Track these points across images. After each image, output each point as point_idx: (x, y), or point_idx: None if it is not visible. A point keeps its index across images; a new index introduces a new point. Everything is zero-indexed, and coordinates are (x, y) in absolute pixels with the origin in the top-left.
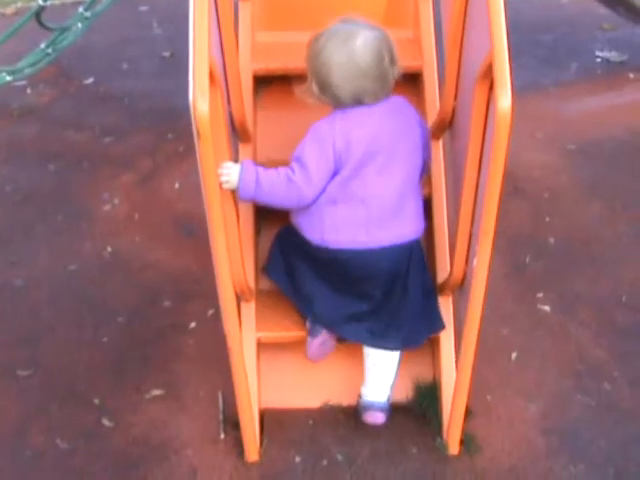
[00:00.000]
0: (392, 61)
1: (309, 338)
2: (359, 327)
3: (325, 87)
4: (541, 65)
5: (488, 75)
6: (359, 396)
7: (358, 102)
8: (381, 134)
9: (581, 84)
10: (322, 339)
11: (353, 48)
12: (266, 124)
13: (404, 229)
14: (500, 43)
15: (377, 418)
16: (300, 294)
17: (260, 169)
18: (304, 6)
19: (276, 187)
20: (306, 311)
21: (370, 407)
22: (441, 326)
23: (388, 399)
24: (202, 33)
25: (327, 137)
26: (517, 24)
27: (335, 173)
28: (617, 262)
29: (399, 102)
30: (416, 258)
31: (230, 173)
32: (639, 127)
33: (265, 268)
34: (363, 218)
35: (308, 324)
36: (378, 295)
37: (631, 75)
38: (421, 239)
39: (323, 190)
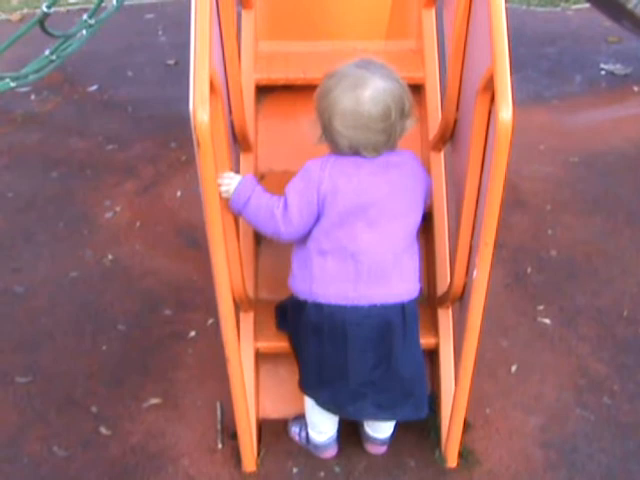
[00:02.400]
0: (402, 114)
1: (313, 450)
2: (364, 404)
3: (326, 129)
4: (545, 77)
5: (489, 87)
6: (360, 424)
7: (356, 152)
8: (374, 187)
9: (585, 97)
10: (327, 452)
11: (360, 98)
12: (267, 134)
13: (397, 289)
14: (501, 55)
15: (379, 450)
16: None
17: (258, 189)
18: (307, 16)
19: (261, 213)
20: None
21: (373, 441)
22: (424, 411)
23: (392, 433)
24: (203, 42)
25: (314, 179)
26: (521, 36)
27: (319, 217)
28: (618, 276)
29: (404, 156)
30: (409, 320)
31: (230, 183)
32: None
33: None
34: (352, 273)
35: (303, 439)
36: (372, 359)
37: (635, 88)
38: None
39: (311, 237)
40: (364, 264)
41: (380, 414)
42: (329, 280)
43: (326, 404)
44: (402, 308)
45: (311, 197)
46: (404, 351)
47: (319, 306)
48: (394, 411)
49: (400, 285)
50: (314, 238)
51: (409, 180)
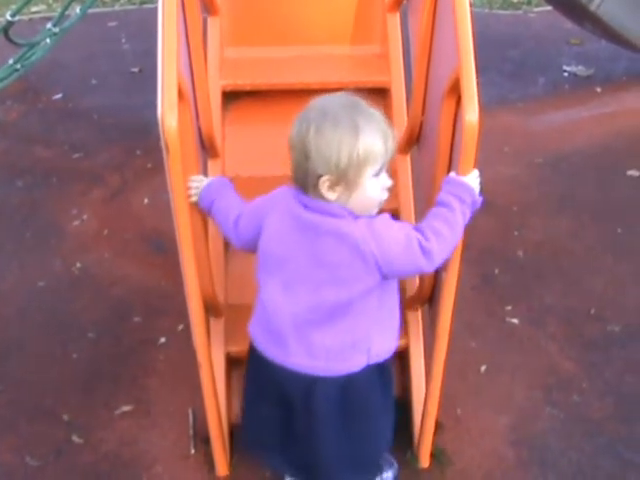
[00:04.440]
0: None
1: None
2: (283, 457)
3: None
4: (509, 80)
5: (455, 90)
6: None
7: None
8: (292, 244)
9: (549, 99)
10: None
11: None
12: (234, 139)
13: (306, 360)
14: (467, 58)
15: None
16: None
17: (226, 192)
18: (272, 22)
19: (219, 218)
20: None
21: None
22: None
23: None
24: (171, 49)
25: (266, 199)
26: (485, 39)
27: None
28: (585, 275)
29: (338, 224)
30: (327, 397)
31: (199, 187)
32: (606, 141)
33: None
34: (266, 324)
35: None
36: (285, 418)
37: (598, 89)
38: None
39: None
40: (272, 321)
41: (294, 473)
42: (256, 322)
43: (249, 443)
44: (314, 381)
45: (256, 222)
46: (326, 430)
47: (252, 345)
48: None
49: (305, 359)
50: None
51: (337, 252)
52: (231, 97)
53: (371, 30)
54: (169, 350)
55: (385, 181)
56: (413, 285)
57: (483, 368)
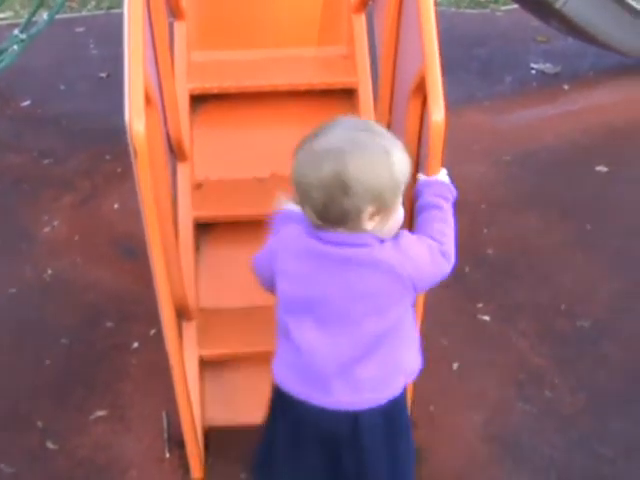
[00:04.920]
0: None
1: None
2: None
3: None
4: (476, 78)
5: (421, 89)
6: None
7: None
8: (321, 283)
9: (516, 96)
10: None
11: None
12: (203, 142)
13: (350, 396)
14: (432, 57)
15: None
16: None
17: None
18: (238, 25)
19: None
20: None
21: None
22: None
23: None
24: (137, 53)
25: (274, 241)
26: (451, 38)
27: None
28: (555, 271)
29: (370, 254)
30: (374, 428)
31: None
32: (573, 137)
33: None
34: (299, 366)
35: None
36: (330, 460)
37: (566, 86)
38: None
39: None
40: (309, 363)
41: None
42: (283, 365)
43: None
44: (356, 416)
45: (268, 265)
46: (376, 461)
47: (280, 391)
48: None
49: (349, 396)
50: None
51: (374, 284)
52: (199, 100)
53: (337, 31)
54: (142, 355)
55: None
56: None
57: (455, 365)
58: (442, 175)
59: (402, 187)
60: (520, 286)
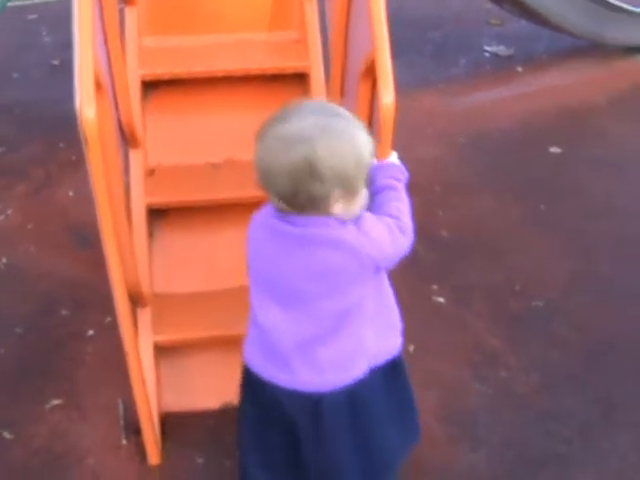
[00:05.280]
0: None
1: None
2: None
3: None
4: (430, 61)
5: (371, 72)
6: None
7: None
8: (284, 264)
9: (470, 79)
10: None
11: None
12: (155, 128)
13: (310, 376)
14: (381, 40)
15: None
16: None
17: None
18: (190, 10)
19: None
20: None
21: None
22: None
23: None
24: (86, 40)
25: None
26: (405, 21)
27: None
28: (509, 251)
29: (330, 234)
30: (335, 412)
31: None
32: (527, 119)
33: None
34: (263, 345)
35: None
36: (292, 441)
37: (519, 69)
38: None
39: None
40: (269, 342)
41: None
42: (251, 344)
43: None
44: (319, 399)
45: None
46: (337, 446)
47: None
48: None
49: (310, 376)
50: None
51: (333, 261)
52: (151, 86)
53: (289, 16)
54: (97, 342)
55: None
56: None
57: (411, 348)
58: (393, 157)
59: (366, 170)
60: (474, 267)
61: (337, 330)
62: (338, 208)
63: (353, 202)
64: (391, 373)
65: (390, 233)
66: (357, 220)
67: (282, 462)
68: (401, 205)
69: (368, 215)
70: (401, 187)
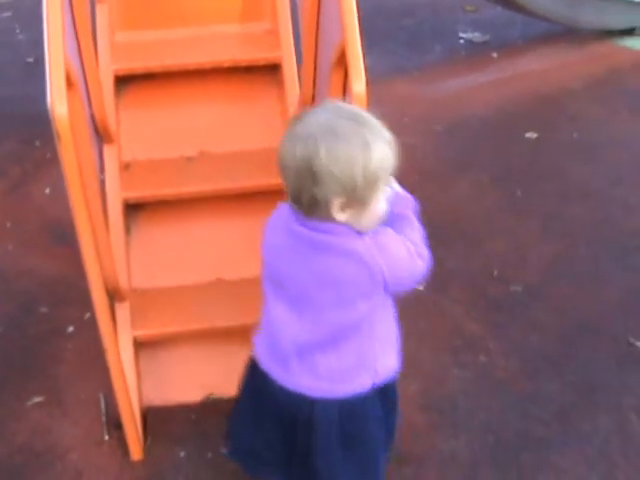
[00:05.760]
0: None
1: None
2: (284, 476)
3: None
4: (405, 49)
5: (342, 61)
6: None
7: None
8: (296, 264)
9: (446, 66)
10: None
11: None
12: (129, 123)
13: (307, 380)
14: (351, 29)
15: None
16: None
17: None
18: (161, 4)
19: None
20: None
21: None
22: None
23: None
24: (56, 37)
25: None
26: (380, 9)
27: None
28: (486, 237)
29: (343, 244)
30: (328, 419)
31: None
32: (503, 105)
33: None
34: (269, 339)
35: None
36: (288, 439)
37: (494, 55)
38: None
39: None
40: (276, 339)
41: None
42: (260, 337)
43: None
44: (311, 404)
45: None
46: (326, 452)
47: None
48: None
49: (307, 380)
50: None
51: (343, 271)
52: (125, 81)
53: (260, 7)
54: (77, 339)
55: (388, 191)
56: None
57: None
58: (397, 187)
59: (380, 182)
60: (452, 254)
61: (339, 342)
62: (342, 217)
63: (363, 214)
64: (384, 393)
65: (408, 253)
66: (375, 232)
67: (275, 457)
68: (417, 234)
69: (387, 230)
70: (413, 217)
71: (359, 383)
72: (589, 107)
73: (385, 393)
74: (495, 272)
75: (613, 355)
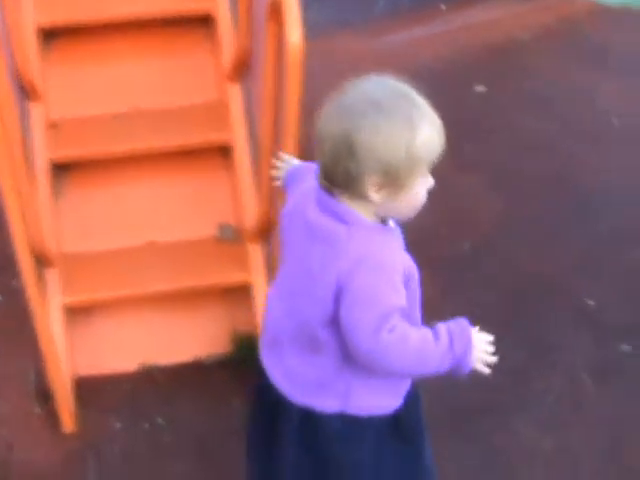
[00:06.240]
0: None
1: None
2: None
3: None
4: (349, 2)
5: (277, 12)
6: None
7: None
8: (298, 249)
9: (391, 19)
10: None
11: None
12: (58, 80)
13: (277, 373)
14: None
15: None
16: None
17: None
18: None
19: None
20: None
21: None
22: None
23: None
24: None
25: (292, 193)
26: None
27: None
28: (433, 194)
29: (339, 232)
30: (288, 423)
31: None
32: (452, 57)
33: None
34: (265, 323)
35: None
36: (265, 433)
37: (442, 6)
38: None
39: None
40: (267, 328)
41: None
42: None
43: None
44: (286, 404)
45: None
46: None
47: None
48: None
49: (275, 371)
50: None
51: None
52: (51, 36)
53: None
54: (5, 308)
55: (430, 181)
56: (252, 219)
57: None
58: (481, 337)
59: (421, 166)
60: None
61: (305, 348)
62: (377, 197)
63: (398, 198)
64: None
65: (372, 308)
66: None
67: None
68: (418, 342)
69: (394, 267)
70: (445, 349)
71: (320, 402)
72: (540, 59)
73: (362, 430)
74: (443, 230)
75: (566, 312)
